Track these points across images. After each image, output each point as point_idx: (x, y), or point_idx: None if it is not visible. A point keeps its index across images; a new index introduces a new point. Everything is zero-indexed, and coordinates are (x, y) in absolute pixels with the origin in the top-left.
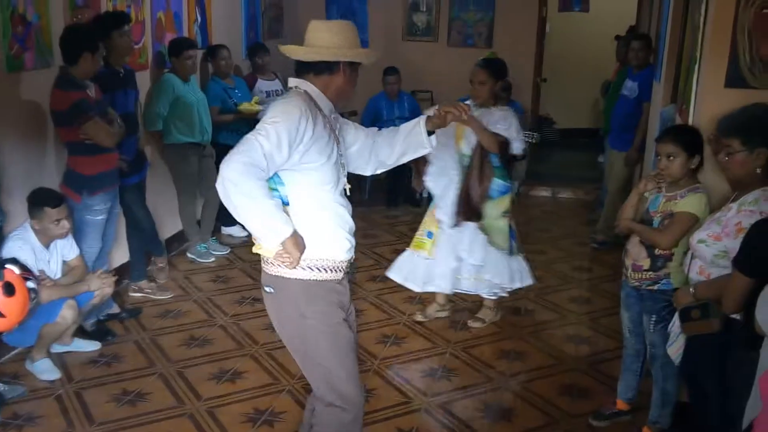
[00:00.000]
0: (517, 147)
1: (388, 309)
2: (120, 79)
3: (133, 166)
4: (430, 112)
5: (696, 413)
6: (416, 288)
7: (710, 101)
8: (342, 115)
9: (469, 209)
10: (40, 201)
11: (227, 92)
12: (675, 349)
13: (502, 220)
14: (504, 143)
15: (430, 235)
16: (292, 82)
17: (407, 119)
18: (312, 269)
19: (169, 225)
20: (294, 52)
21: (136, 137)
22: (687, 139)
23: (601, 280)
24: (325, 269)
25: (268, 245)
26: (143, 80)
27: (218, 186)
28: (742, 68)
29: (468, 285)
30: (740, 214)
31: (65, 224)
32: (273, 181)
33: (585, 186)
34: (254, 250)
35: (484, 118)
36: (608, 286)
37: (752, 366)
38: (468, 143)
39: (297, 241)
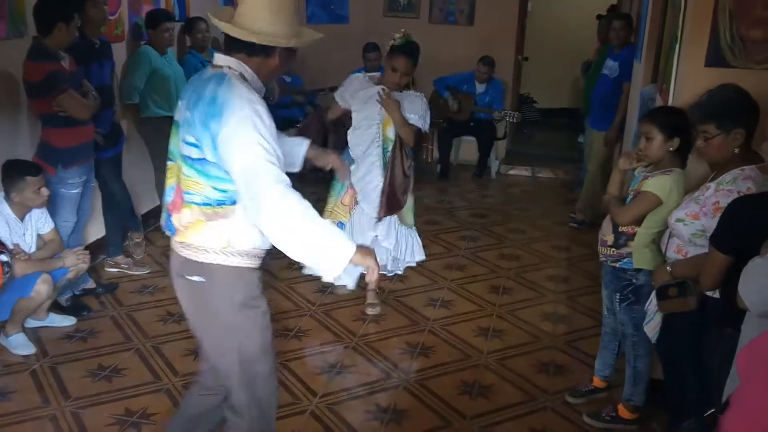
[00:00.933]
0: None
1: (365, 286)
2: (95, 51)
3: (109, 140)
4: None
5: (670, 391)
6: (330, 279)
7: (690, 80)
8: (323, 90)
9: (394, 202)
10: (20, 171)
11: (204, 65)
12: (652, 327)
13: (411, 199)
14: (418, 133)
15: (341, 225)
16: (222, 60)
17: None
18: (250, 257)
19: (146, 200)
20: (228, 29)
21: (112, 110)
22: (665, 120)
23: (580, 259)
24: (258, 257)
25: (336, 270)
26: (119, 52)
27: (266, 225)
28: (722, 48)
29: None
30: (718, 194)
31: (45, 191)
32: (222, 180)
33: (565, 166)
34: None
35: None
36: (586, 265)
37: (728, 343)
38: (393, 130)
39: (365, 251)
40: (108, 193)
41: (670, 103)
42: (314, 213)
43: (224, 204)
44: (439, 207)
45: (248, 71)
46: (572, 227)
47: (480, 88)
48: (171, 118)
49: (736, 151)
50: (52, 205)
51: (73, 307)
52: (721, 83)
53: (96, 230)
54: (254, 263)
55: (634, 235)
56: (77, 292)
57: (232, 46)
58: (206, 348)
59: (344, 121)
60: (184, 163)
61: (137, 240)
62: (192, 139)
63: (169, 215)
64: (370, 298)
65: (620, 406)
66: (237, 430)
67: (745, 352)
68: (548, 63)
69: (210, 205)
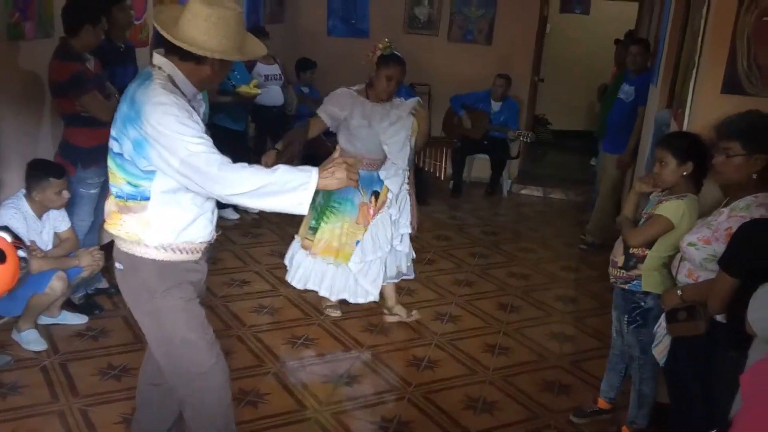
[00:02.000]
0: None
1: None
2: (120, 54)
3: None
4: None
5: (676, 414)
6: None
7: (706, 106)
8: None
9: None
10: (45, 171)
11: (228, 76)
12: (660, 349)
13: None
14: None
15: (358, 243)
16: (158, 59)
17: None
18: (167, 250)
19: None
20: (162, 32)
21: None
22: (678, 145)
23: (588, 280)
24: (182, 251)
25: (307, 202)
26: (143, 57)
27: (228, 200)
28: (739, 74)
29: (392, 274)
30: (731, 219)
31: (66, 194)
32: (136, 176)
33: (576, 188)
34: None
35: (392, 111)
36: (594, 287)
37: (734, 367)
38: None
39: (334, 170)
40: None
41: (684, 128)
42: (256, 169)
43: (135, 199)
44: (450, 223)
45: (179, 75)
46: (582, 249)
47: (495, 106)
48: None
49: (754, 176)
50: (70, 205)
51: (86, 306)
52: (755, 109)
53: None
54: (172, 256)
55: (644, 257)
56: (90, 291)
57: (167, 47)
58: (142, 327)
59: (321, 137)
60: (109, 155)
61: None
62: (114, 134)
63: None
64: (393, 303)
65: (624, 429)
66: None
67: (749, 374)
68: (564, 85)
69: (122, 198)
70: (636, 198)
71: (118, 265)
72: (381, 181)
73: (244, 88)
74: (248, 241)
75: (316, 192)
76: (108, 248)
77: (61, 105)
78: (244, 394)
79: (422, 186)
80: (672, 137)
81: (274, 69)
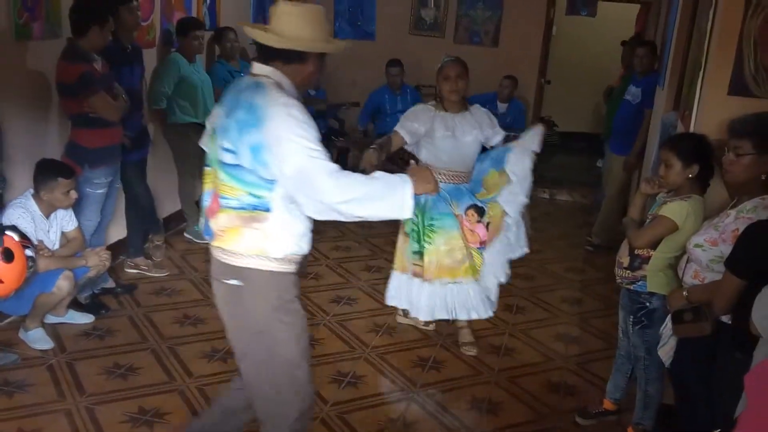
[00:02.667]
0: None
1: (380, 298)
2: (127, 55)
3: (136, 143)
4: None
5: (681, 415)
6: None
7: (713, 108)
8: (343, 105)
9: None
10: (54, 171)
11: (232, 75)
12: (666, 350)
13: None
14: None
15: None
16: (259, 69)
17: None
18: (287, 262)
19: (168, 204)
20: (263, 38)
21: (140, 114)
22: (684, 147)
23: (594, 282)
24: (293, 262)
25: (408, 209)
26: (150, 58)
27: (334, 214)
28: (746, 76)
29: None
30: (738, 221)
31: (74, 194)
32: (257, 186)
33: (582, 189)
34: None
35: (472, 117)
36: (600, 288)
37: (739, 368)
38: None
39: (422, 175)
40: (132, 195)
41: (691, 130)
42: (363, 177)
43: (258, 209)
44: None
45: (285, 80)
46: (588, 250)
47: (501, 108)
48: (197, 124)
49: (763, 177)
50: (77, 204)
51: (92, 306)
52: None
53: (118, 231)
54: (289, 268)
55: (649, 258)
56: (97, 291)
57: (268, 55)
58: (237, 353)
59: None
60: (221, 168)
61: (158, 243)
62: (228, 145)
63: (208, 220)
64: (465, 337)
65: (629, 430)
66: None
67: (753, 374)
68: (570, 87)
69: (246, 209)
70: (642, 200)
71: (230, 281)
72: (471, 196)
73: None
74: None
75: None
76: (113, 248)
77: (68, 106)
78: None
79: None
80: (677, 139)
81: None
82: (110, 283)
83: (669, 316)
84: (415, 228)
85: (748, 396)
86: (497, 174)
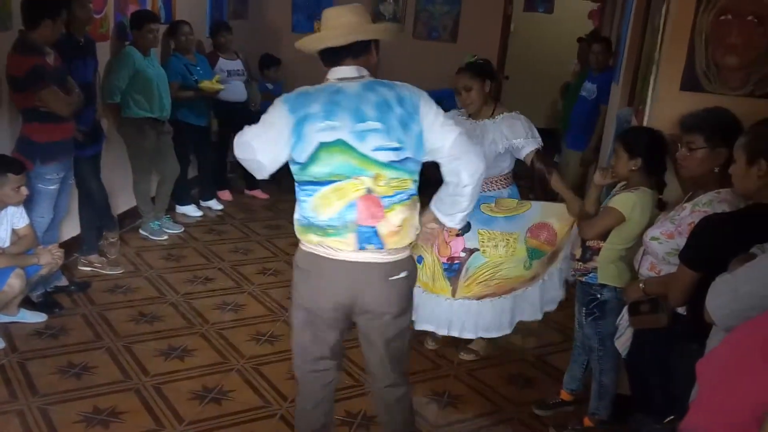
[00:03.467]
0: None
1: None
2: (80, 48)
3: (89, 138)
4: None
5: (637, 405)
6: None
7: (666, 104)
8: None
9: None
10: (3, 167)
11: (188, 69)
12: (622, 341)
13: None
14: (538, 154)
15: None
16: (348, 72)
17: None
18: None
19: (122, 200)
20: (330, 39)
21: (93, 108)
22: (629, 140)
23: None
24: None
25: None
26: (103, 51)
27: (475, 181)
28: (698, 73)
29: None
30: (694, 214)
31: (24, 191)
32: (416, 172)
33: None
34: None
35: (486, 135)
36: None
37: (694, 359)
38: None
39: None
40: (85, 192)
41: (644, 125)
42: None
43: (416, 194)
44: None
45: (368, 72)
46: None
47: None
48: (152, 119)
49: (716, 170)
50: (28, 201)
51: (45, 304)
52: (720, 106)
53: (71, 228)
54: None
55: (599, 250)
56: (49, 289)
57: (335, 57)
58: (391, 336)
59: None
60: (389, 168)
61: (112, 240)
62: (395, 144)
63: (368, 229)
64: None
65: (586, 420)
66: (407, 397)
67: (705, 360)
68: (528, 83)
69: (414, 195)
70: (596, 193)
71: (400, 275)
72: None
73: (206, 84)
74: (212, 238)
75: None
76: (66, 246)
77: (19, 99)
78: (208, 391)
79: None
80: (627, 131)
81: (237, 64)
82: (63, 281)
83: (626, 308)
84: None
85: (699, 383)
86: (516, 203)
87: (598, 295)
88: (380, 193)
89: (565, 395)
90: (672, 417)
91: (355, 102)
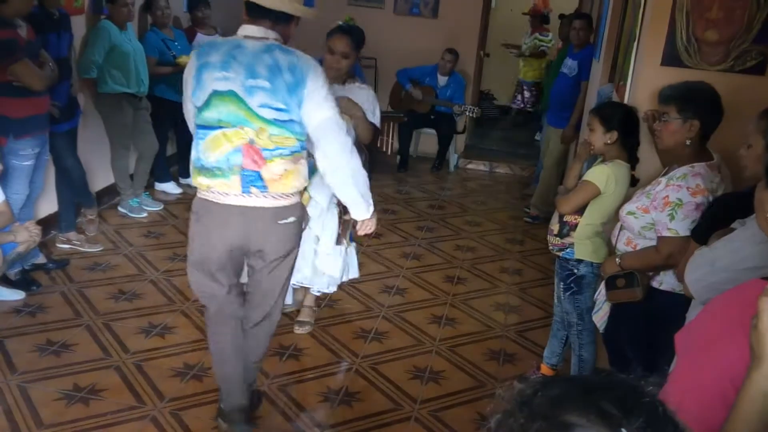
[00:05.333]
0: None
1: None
2: (54, 22)
3: (65, 113)
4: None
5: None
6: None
7: (647, 79)
8: None
9: None
10: None
11: (166, 44)
12: (600, 316)
13: None
14: (375, 130)
15: None
16: (256, 31)
17: None
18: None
19: (100, 177)
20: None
21: (68, 83)
22: (605, 113)
23: (533, 252)
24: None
25: (367, 214)
26: (78, 25)
27: (345, 175)
28: (678, 48)
29: (301, 277)
30: (668, 188)
31: None
32: (301, 133)
33: (521, 162)
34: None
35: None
36: (539, 259)
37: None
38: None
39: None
40: (61, 168)
41: (626, 101)
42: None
43: (300, 151)
44: (397, 197)
45: (280, 38)
46: (527, 222)
47: (442, 81)
48: (129, 95)
49: (688, 142)
50: (3, 177)
51: (22, 282)
52: (697, 80)
53: (48, 205)
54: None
55: (576, 225)
56: (27, 267)
57: (256, 14)
58: (271, 277)
59: None
60: (272, 125)
61: (90, 217)
62: (280, 105)
63: (252, 173)
64: (304, 315)
65: None
66: (268, 330)
67: (682, 332)
68: (509, 60)
69: (297, 152)
70: (578, 168)
71: (288, 220)
72: None
73: (184, 59)
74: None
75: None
76: (44, 223)
77: None
78: (189, 368)
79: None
80: (603, 105)
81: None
82: (41, 259)
83: (603, 283)
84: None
85: (677, 353)
86: None
87: (575, 270)
88: (261, 145)
89: (545, 369)
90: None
91: (251, 59)
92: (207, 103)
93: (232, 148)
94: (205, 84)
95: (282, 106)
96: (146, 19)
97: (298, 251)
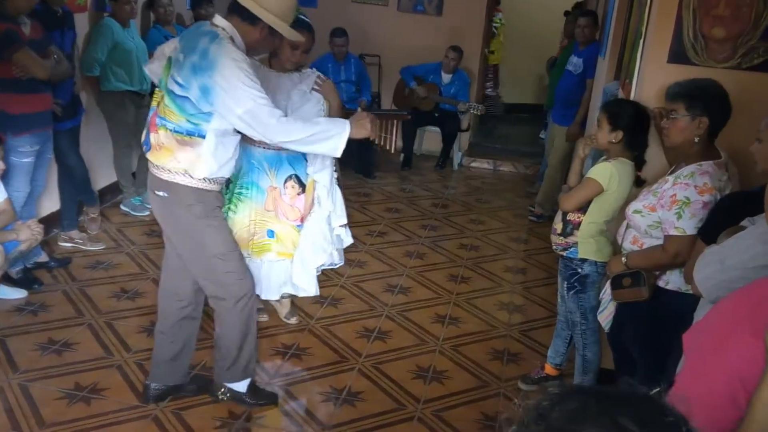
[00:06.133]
0: None
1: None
2: (57, 19)
3: (68, 111)
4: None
5: (620, 379)
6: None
7: (653, 76)
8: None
9: None
10: None
11: (169, 40)
12: (605, 315)
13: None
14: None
15: (271, 233)
16: (220, 21)
17: (353, 82)
18: (207, 182)
19: (103, 175)
20: None
21: (71, 81)
22: (612, 111)
23: (537, 251)
24: (216, 182)
25: (341, 148)
26: (81, 23)
27: (282, 144)
28: (685, 45)
29: (328, 258)
30: (675, 187)
31: (1, 165)
32: (194, 116)
33: (525, 160)
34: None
35: (302, 83)
36: (543, 258)
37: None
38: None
39: (362, 123)
40: (64, 166)
41: (631, 98)
42: (305, 122)
43: (193, 135)
44: (401, 195)
45: (237, 36)
46: (531, 220)
47: (446, 78)
48: (132, 92)
49: (696, 140)
50: (4, 175)
51: (24, 280)
52: (705, 77)
53: (51, 203)
54: (212, 187)
55: (579, 224)
56: (29, 265)
57: (231, 8)
58: (178, 252)
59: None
60: (167, 94)
61: (93, 215)
62: (179, 80)
63: (149, 133)
64: (286, 306)
65: None
66: (223, 310)
67: (691, 331)
68: (513, 58)
69: (181, 133)
70: (580, 165)
71: (159, 192)
72: (292, 165)
73: None
74: None
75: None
76: (46, 221)
77: None
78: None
79: (370, 159)
80: (612, 103)
81: None
82: (43, 257)
83: (608, 282)
84: (228, 194)
85: (685, 354)
86: None
87: (579, 270)
88: (158, 111)
89: (549, 369)
90: (658, 389)
91: (191, 39)
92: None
93: (152, 106)
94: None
95: (181, 82)
96: (149, 16)
97: (196, 243)
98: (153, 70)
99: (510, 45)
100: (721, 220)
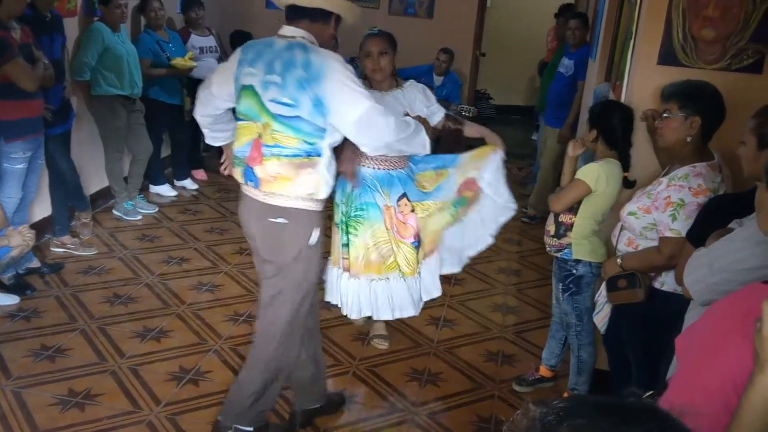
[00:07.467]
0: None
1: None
2: (46, 24)
3: (58, 116)
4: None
5: (615, 380)
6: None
7: (643, 77)
8: None
9: None
10: None
11: (160, 45)
12: (601, 317)
13: None
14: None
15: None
16: (293, 31)
17: None
18: (319, 202)
19: (94, 180)
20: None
21: (62, 86)
22: (590, 111)
23: (530, 253)
24: (323, 202)
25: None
26: (71, 28)
27: (394, 150)
28: (675, 46)
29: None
30: (670, 189)
31: None
32: (310, 134)
33: (518, 162)
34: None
35: (403, 98)
36: (536, 259)
37: (674, 334)
38: None
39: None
40: (55, 171)
41: (622, 100)
42: (404, 119)
43: (311, 155)
44: None
45: (314, 39)
46: (524, 222)
47: (437, 81)
48: (122, 97)
49: (689, 140)
50: None
51: (17, 286)
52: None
53: (42, 209)
54: (321, 207)
55: (571, 225)
56: (21, 271)
57: (294, 15)
58: (271, 281)
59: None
60: (275, 120)
61: (84, 220)
62: (287, 100)
63: (250, 168)
64: (378, 329)
65: (565, 395)
66: (263, 349)
67: (683, 336)
68: (505, 60)
69: (300, 156)
70: (571, 167)
71: (277, 219)
72: (402, 183)
73: (178, 61)
74: (187, 218)
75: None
76: (38, 227)
77: None
78: (185, 372)
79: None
80: (595, 104)
81: (210, 41)
82: (35, 263)
83: (604, 284)
84: (343, 218)
85: (678, 358)
86: (435, 173)
87: (574, 271)
88: (264, 140)
89: (544, 371)
90: (652, 392)
91: (273, 56)
92: (238, 96)
93: (246, 141)
94: (239, 79)
95: (289, 102)
96: (140, 20)
97: (300, 272)
98: (216, 103)
99: (500, 45)
100: (708, 223)
